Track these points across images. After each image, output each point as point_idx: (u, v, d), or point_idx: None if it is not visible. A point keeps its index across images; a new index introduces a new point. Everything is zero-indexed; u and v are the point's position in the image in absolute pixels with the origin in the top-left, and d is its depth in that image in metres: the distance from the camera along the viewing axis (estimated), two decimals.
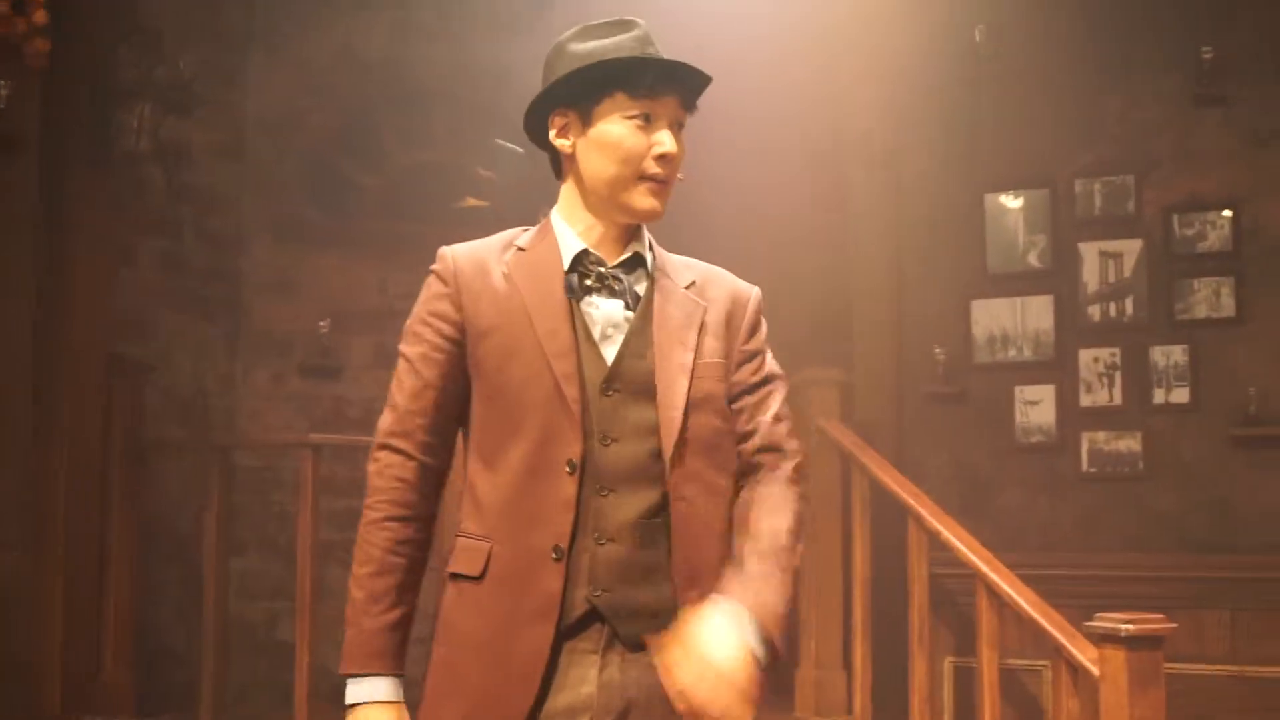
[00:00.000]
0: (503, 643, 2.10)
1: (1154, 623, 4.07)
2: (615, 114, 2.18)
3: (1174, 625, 4.13)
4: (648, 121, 2.18)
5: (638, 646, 2.12)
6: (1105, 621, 4.07)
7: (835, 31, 6.27)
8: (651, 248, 2.29)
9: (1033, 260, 6.10)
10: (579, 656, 2.11)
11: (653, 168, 2.19)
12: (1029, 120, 6.09)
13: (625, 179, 2.19)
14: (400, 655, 2.15)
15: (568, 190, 2.27)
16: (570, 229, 2.24)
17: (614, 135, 2.18)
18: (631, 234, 2.26)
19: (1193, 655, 5.43)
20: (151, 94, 5.87)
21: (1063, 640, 4.39)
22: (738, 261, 2.41)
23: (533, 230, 2.29)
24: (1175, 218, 5.91)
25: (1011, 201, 6.15)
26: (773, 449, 2.24)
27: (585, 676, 2.10)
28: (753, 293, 2.33)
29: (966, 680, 5.56)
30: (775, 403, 2.27)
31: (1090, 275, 6.01)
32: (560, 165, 2.29)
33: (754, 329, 2.30)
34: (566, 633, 2.10)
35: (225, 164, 6.85)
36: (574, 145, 2.22)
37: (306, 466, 5.51)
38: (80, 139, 5.64)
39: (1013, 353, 6.09)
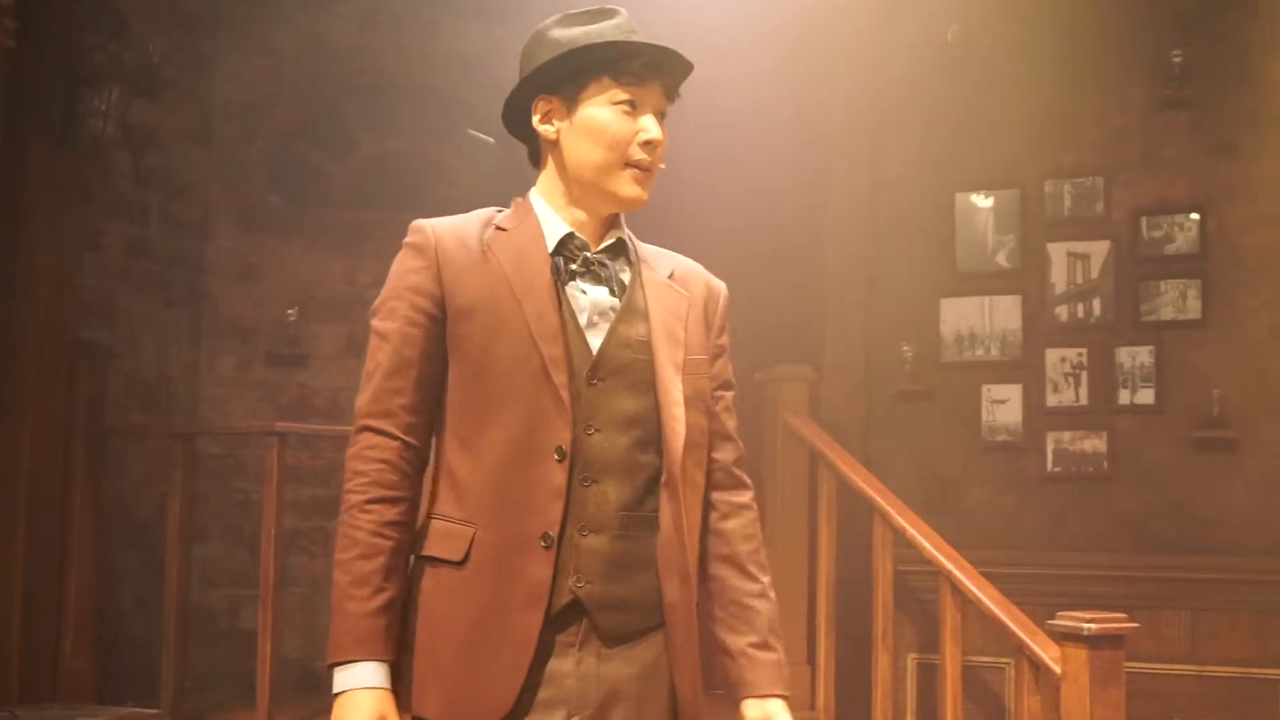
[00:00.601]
0: (485, 630, 2.06)
1: (1115, 622, 4.11)
2: (602, 99, 2.17)
3: (1135, 625, 4.16)
4: (633, 108, 2.17)
5: (616, 639, 2.11)
6: (1067, 620, 4.10)
7: (811, 29, 6.26)
8: (629, 238, 2.28)
9: (1002, 260, 6.12)
10: (558, 648, 2.08)
11: (638, 154, 2.18)
12: (1001, 121, 6.11)
13: (611, 165, 2.17)
14: (389, 640, 2.07)
15: (548, 178, 2.25)
16: (553, 212, 2.22)
17: (600, 120, 2.17)
18: (612, 223, 2.25)
19: (1153, 654, 5.47)
20: (119, 78, 5.80)
21: (1025, 638, 4.42)
22: (709, 256, 2.41)
23: (508, 210, 2.26)
24: (1143, 220, 5.94)
25: (982, 201, 6.17)
26: (738, 467, 2.31)
27: (564, 669, 2.08)
28: (723, 287, 2.35)
29: (929, 677, 5.59)
30: (734, 411, 2.33)
31: (1058, 276, 6.03)
32: (540, 153, 2.27)
33: (724, 324, 2.32)
34: (549, 623, 2.07)
35: (192, 150, 6.80)
36: (558, 131, 2.21)
37: (272, 455, 5.47)
38: (46, 122, 5.58)
39: (980, 352, 6.10)
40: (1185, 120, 5.91)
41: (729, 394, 2.32)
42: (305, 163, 7.20)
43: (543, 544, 2.06)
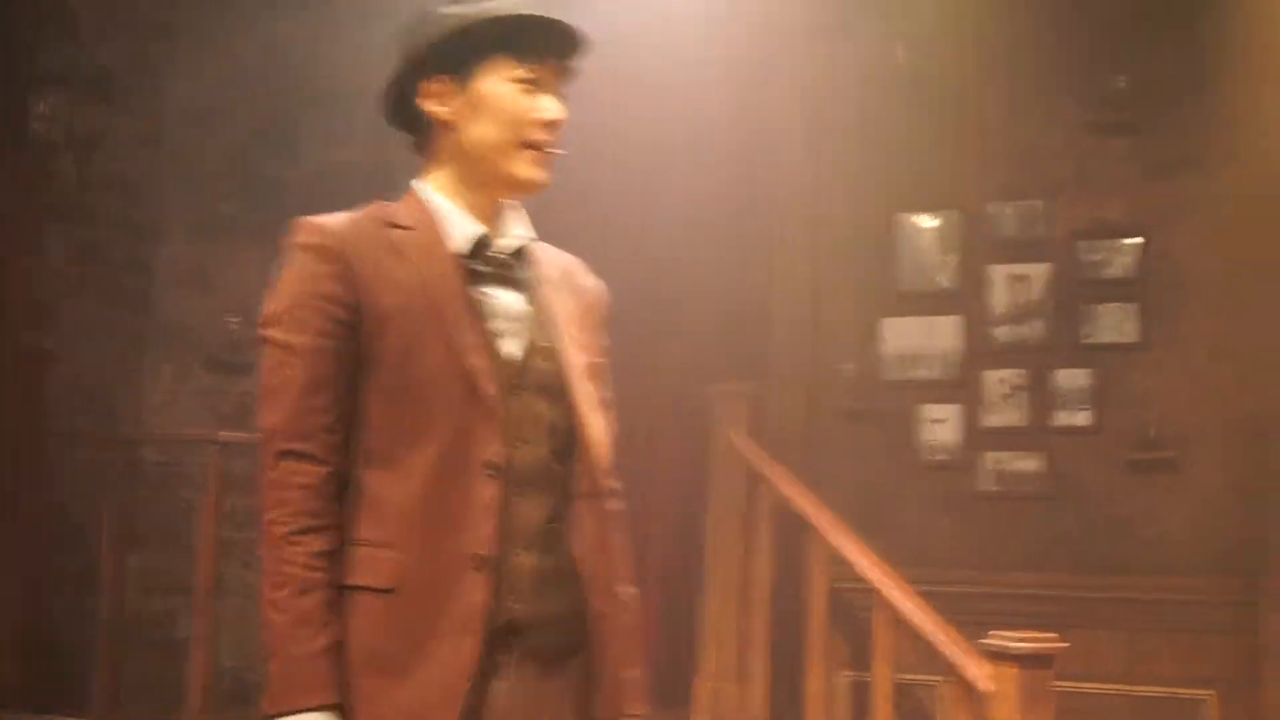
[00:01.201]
0: (418, 660, 1.96)
1: (1046, 641, 4.12)
2: (499, 76, 2.09)
3: (1066, 644, 4.18)
4: (532, 86, 2.10)
5: (545, 656, 2.06)
6: (998, 639, 4.12)
7: (756, 48, 6.29)
8: (530, 235, 2.20)
9: (943, 281, 6.16)
10: (491, 670, 2.00)
11: (537, 134, 2.10)
12: (944, 142, 6.15)
13: (509, 145, 2.09)
14: (338, 682, 1.93)
15: (441, 166, 2.15)
16: (453, 206, 2.12)
17: (498, 98, 2.09)
18: (512, 215, 2.17)
19: (1088, 674, 5.49)
20: (70, 81, 5.78)
21: (956, 657, 4.43)
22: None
23: (397, 205, 2.15)
24: (1083, 243, 5.99)
25: (924, 222, 6.20)
26: (611, 473, 2.24)
27: (496, 690, 2.01)
28: (603, 286, 2.29)
29: (863, 694, 5.60)
30: (608, 413, 2.25)
31: (999, 297, 6.07)
32: (428, 140, 2.17)
33: (606, 325, 2.27)
34: (483, 646, 1.98)
35: (144, 154, 6.77)
36: (451, 113, 2.11)
37: (212, 463, 5.46)
38: None
39: (921, 371, 6.13)
40: (1126, 144, 5.97)
41: (608, 393, 2.25)
42: (258, 170, 7.18)
43: (476, 566, 1.98)
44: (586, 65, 2.19)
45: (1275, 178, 5.69)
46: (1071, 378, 5.93)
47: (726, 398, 5.83)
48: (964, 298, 6.12)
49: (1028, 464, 5.96)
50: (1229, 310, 5.76)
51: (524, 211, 2.20)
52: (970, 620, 4.85)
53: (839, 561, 5.16)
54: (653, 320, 5.65)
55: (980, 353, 6.06)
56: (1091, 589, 5.74)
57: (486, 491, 2.00)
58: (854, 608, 5.65)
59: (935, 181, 6.17)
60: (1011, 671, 4.08)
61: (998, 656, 4.13)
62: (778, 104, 6.36)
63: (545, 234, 2.25)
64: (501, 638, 2.01)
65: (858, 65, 6.27)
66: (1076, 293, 5.98)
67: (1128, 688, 5.61)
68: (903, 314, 6.16)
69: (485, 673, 1.99)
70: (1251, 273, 5.72)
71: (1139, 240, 5.92)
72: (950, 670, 4.48)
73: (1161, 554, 5.74)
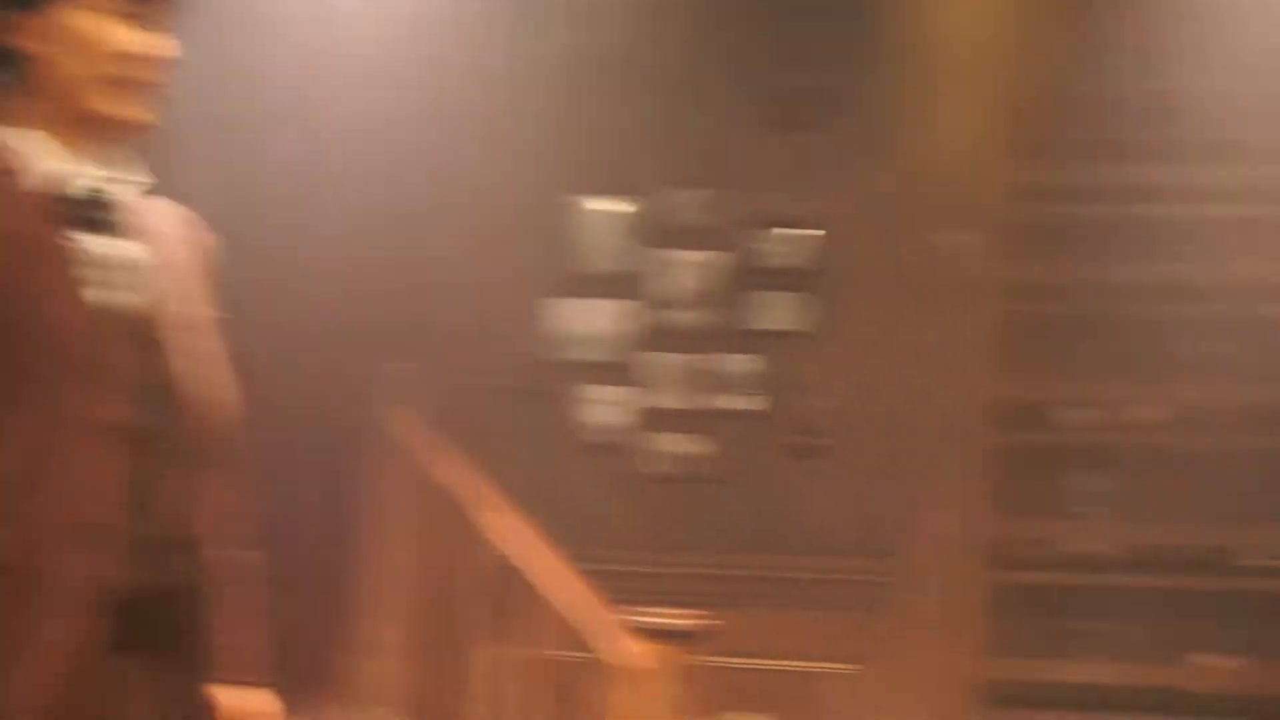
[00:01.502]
0: (25, 644, 1.83)
1: (693, 618, 4.23)
2: (91, 9, 1.96)
3: (713, 621, 4.29)
4: (129, 20, 1.98)
5: (164, 630, 1.94)
6: (646, 616, 4.21)
7: (438, 28, 6.23)
8: (138, 179, 2.08)
9: (617, 265, 6.22)
10: (108, 653, 1.87)
11: (133, 69, 1.98)
12: (623, 129, 6.21)
13: (101, 82, 1.97)
14: None
15: (29, 105, 2.00)
16: (41, 148, 1.98)
17: (89, 32, 1.96)
18: (122, 160, 2.05)
19: (746, 650, 5.63)
20: None
21: (603, 633, 4.52)
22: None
23: None
24: (757, 233, 6.15)
25: (600, 206, 6.26)
26: (233, 434, 2.15)
27: (112, 668, 1.88)
28: (215, 239, 2.18)
29: (516, 671, 5.63)
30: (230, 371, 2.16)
31: (672, 283, 6.19)
32: (13, 77, 2.01)
33: (218, 279, 2.16)
34: (100, 630, 1.86)
35: None
36: (37, 47, 1.97)
37: None
38: None
39: (591, 353, 6.19)
40: (804, 140, 6.13)
41: (224, 350, 2.14)
42: None
43: (86, 536, 1.86)
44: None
45: (934, 178, 5.97)
46: (740, 363, 6.10)
47: (388, 376, 5.76)
48: (638, 282, 6.21)
49: (694, 447, 6.09)
50: (889, 304, 6.00)
51: (141, 159, 2.08)
52: (635, 600, 4.93)
53: (495, 539, 5.17)
54: (316, 298, 5.52)
55: (651, 336, 6.17)
56: (752, 568, 5.91)
57: (91, 455, 1.87)
58: (514, 586, 5.67)
59: (611, 167, 6.23)
60: (656, 648, 4.18)
61: (641, 632, 4.22)
62: (454, 86, 6.29)
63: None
64: (118, 616, 1.88)
65: (541, 49, 6.28)
66: (748, 281, 6.14)
67: (783, 663, 5.80)
68: (575, 296, 6.22)
69: (96, 652, 1.87)
70: (912, 269, 5.98)
71: (811, 232, 6.13)
72: (598, 647, 4.55)
73: (817, 536, 5.96)
